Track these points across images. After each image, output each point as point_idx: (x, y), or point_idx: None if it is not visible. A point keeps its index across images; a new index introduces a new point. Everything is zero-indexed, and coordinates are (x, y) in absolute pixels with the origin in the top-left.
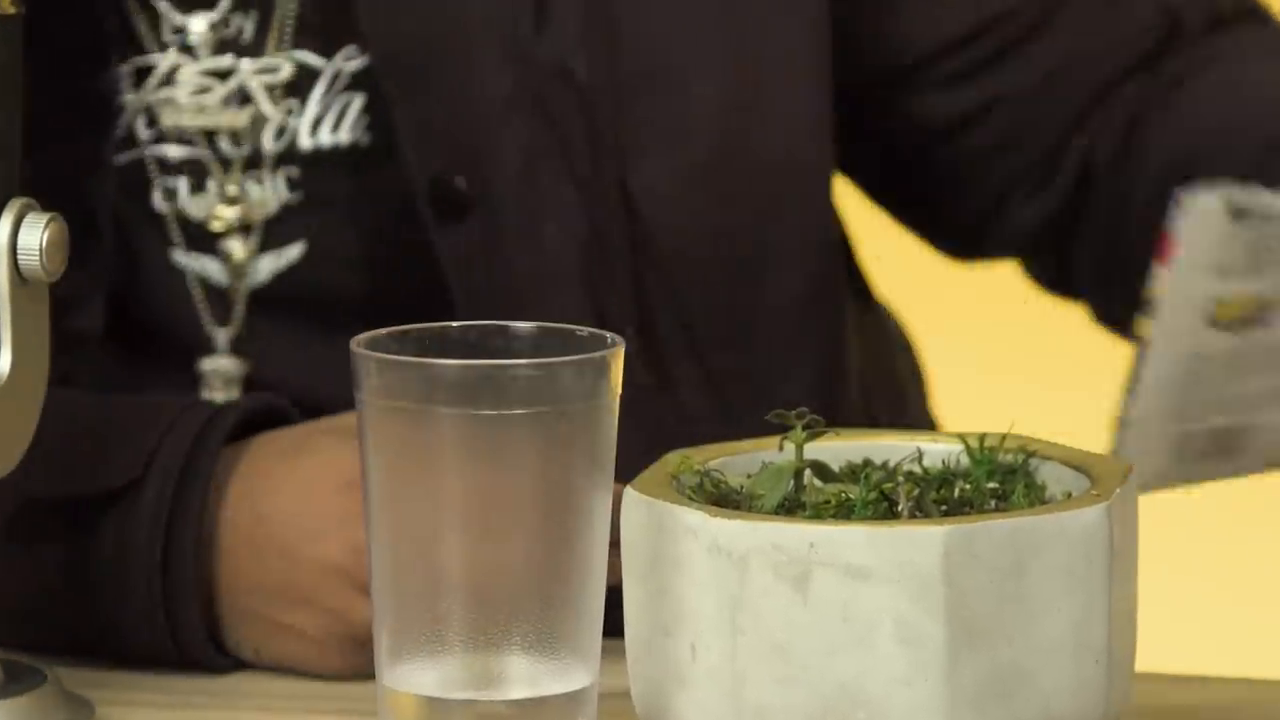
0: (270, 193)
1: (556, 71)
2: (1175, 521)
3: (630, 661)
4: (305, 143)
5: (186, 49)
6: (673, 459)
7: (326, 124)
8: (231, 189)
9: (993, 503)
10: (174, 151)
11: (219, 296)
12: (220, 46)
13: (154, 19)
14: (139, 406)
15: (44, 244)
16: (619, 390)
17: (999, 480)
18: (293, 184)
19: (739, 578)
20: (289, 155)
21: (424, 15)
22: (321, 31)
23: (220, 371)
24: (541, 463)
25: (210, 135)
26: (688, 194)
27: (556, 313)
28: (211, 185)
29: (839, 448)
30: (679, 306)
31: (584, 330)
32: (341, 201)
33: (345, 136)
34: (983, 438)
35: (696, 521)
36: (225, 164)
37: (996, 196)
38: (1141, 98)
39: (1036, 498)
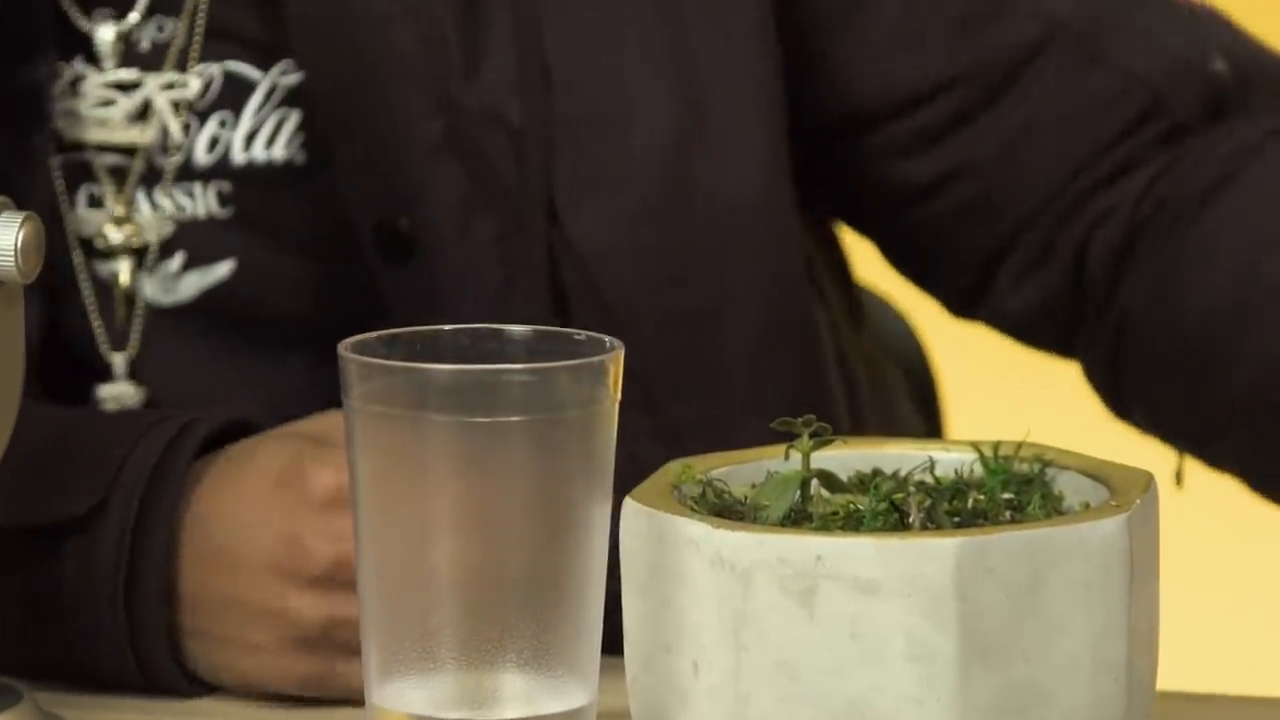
0: (164, 215)
1: (488, 117)
2: (1198, 534)
3: (630, 679)
4: (238, 157)
5: (91, 60)
6: (674, 468)
7: (260, 139)
8: (119, 209)
9: (1007, 514)
10: (90, 159)
11: (115, 320)
12: (127, 58)
13: (65, 27)
14: (102, 424)
15: (19, 244)
16: (618, 396)
17: (1014, 490)
18: (224, 199)
19: (743, 592)
20: (221, 168)
21: (354, 56)
22: (257, 43)
23: (118, 398)
24: (537, 472)
25: (130, 150)
26: (632, 240)
27: None
28: (107, 202)
29: (847, 457)
30: (630, 357)
31: (580, 334)
32: (274, 220)
33: (280, 153)
34: (997, 446)
35: (699, 533)
36: (119, 180)
37: (978, 272)
38: (1144, 196)
39: (1053, 508)
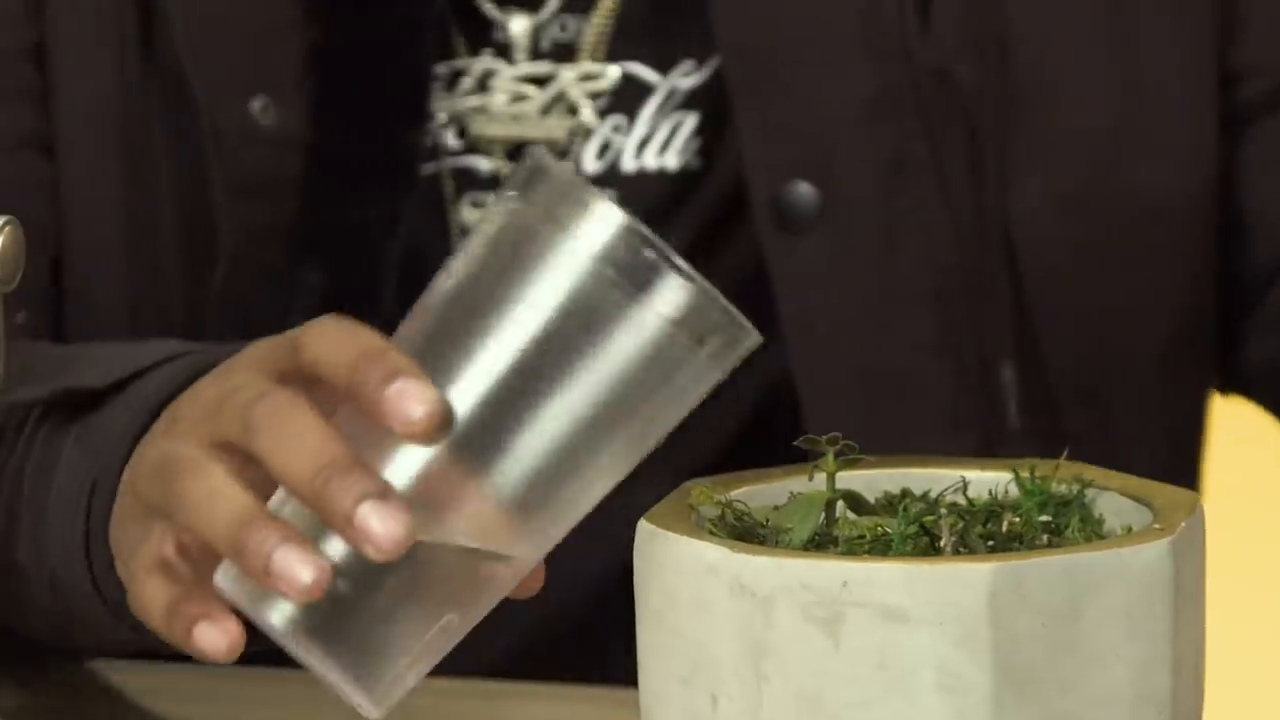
0: None
1: (934, 74)
2: (1245, 560)
3: (644, 712)
4: (629, 164)
5: (502, 53)
6: (693, 488)
7: (654, 145)
8: None
9: (1045, 537)
10: (483, 164)
11: None
12: (538, 51)
13: (471, 22)
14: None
15: None
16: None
17: (1051, 513)
18: None
19: (764, 620)
20: (609, 177)
21: (786, 3)
22: (658, 42)
23: None
24: (606, 369)
25: (520, 147)
26: (1062, 225)
27: (901, 343)
28: None
29: (874, 477)
30: (1036, 352)
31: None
32: (658, 230)
33: (672, 160)
34: (1034, 466)
35: (717, 558)
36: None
37: (1232, 310)
38: None
39: (1093, 532)
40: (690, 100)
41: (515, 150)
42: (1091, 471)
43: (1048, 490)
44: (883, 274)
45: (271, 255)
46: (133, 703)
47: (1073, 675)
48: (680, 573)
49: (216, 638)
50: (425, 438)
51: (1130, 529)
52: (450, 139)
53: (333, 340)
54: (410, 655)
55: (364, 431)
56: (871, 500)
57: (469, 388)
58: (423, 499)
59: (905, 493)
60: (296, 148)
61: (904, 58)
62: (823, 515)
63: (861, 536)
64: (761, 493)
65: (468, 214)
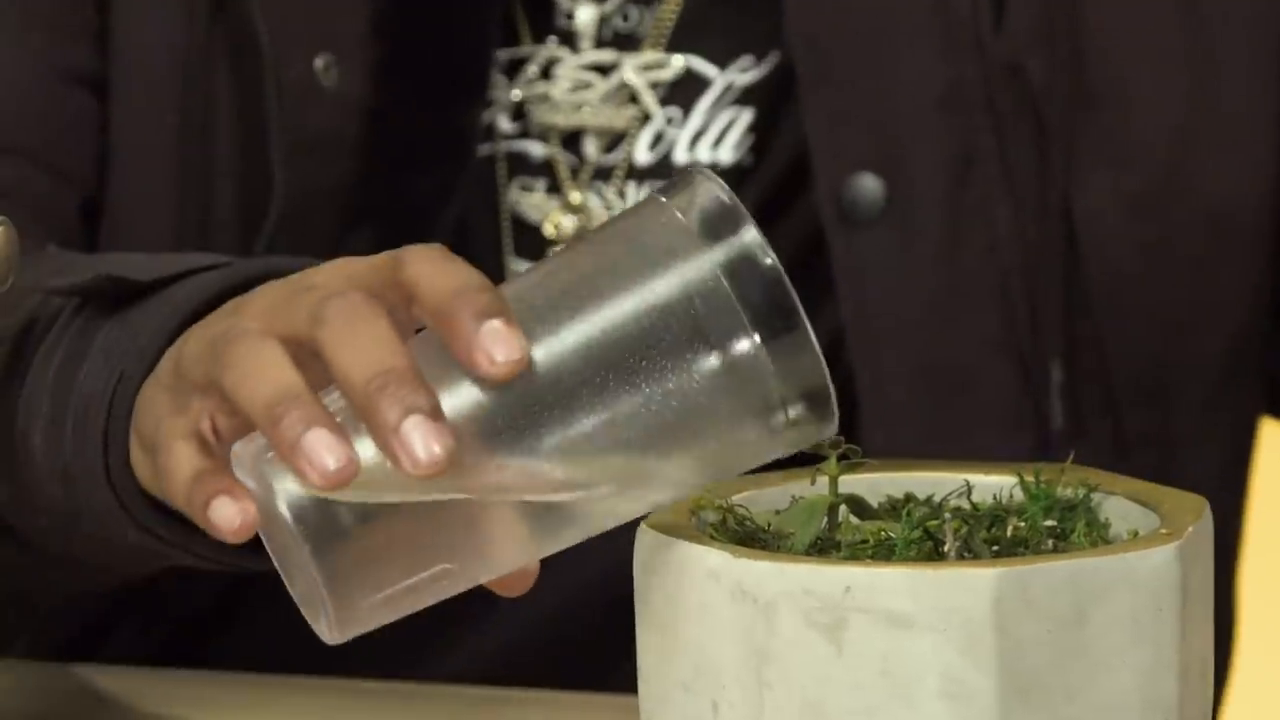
0: (619, 206)
1: (1005, 69)
2: (1254, 566)
3: (644, 719)
4: (681, 157)
5: (566, 41)
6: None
7: (707, 139)
8: (575, 196)
9: (1050, 542)
10: (536, 150)
11: None
12: (601, 40)
13: (538, 9)
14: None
15: None
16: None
17: (1057, 517)
18: None
19: (766, 626)
20: (661, 168)
21: None
22: (718, 36)
23: None
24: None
25: (575, 136)
26: (1129, 225)
27: (964, 339)
28: (537, 190)
29: (878, 481)
30: (1100, 352)
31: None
32: None
33: (726, 155)
34: (1039, 470)
35: (718, 563)
36: (574, 169)
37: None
38: None
39: (1099, 537)
40: (746, 96)
41: (571, 137)
42: (1097, 476)
43: (1053, 494)
44: (947, 269)
45: (321, 219)
46: (133, 706)
47: (1079, 681)
48: (681, 578)
49: (232, 514)
50: (495, 383)
51: (1136, 534)
52: (504, 122)
53: (439, 263)
54: (392, 590)
55: (427, 364)
56: (874, 504)
57: (545, 357)
58: (462, 444)
59: (909, 497)
60: (355, 111)
61: (976, 52)
62: (825, 520)
63: (864, 541)
64: (763, 497)
65: (516, 197)
